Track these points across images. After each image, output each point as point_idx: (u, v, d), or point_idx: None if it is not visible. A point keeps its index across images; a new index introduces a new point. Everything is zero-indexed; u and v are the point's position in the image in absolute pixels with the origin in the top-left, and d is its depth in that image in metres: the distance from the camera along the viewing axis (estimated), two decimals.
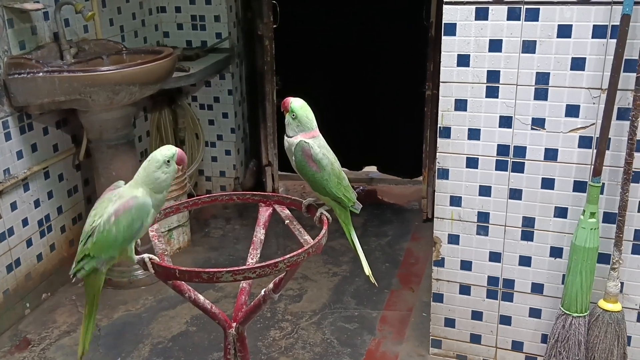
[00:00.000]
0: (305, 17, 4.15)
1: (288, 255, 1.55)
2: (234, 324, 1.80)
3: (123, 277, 3.19)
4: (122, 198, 1.62)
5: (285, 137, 1.81)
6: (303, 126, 1.78)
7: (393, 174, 4.50)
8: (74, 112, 3.02)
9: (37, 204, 3.01)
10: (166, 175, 1.62)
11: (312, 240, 1.67)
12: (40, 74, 2.71)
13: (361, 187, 4.43)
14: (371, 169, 4.63)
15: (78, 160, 3.25)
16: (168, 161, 1.62)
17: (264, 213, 1.92)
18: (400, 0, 4.01)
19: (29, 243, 2.97)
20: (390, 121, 4.35)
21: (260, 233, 1.88)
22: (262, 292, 1.76)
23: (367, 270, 1.88)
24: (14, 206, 2.86)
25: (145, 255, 1.63)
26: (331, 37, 4.22)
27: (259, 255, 1.84)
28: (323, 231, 1.70)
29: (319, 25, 4.21)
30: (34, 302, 3.02)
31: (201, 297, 1.75)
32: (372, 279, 1.90)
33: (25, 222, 2.93)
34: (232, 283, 2.68)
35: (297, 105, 1.78)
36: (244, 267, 1.50)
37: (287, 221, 1.85)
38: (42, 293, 3.07)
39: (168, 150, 1.63)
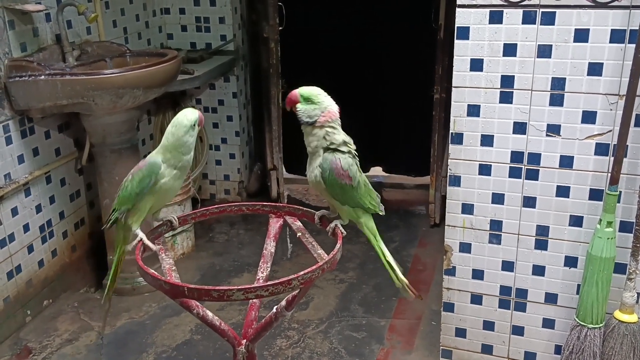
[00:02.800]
0: (308, 17, 4.10)
1: (302, 272, 1.48)
2: (244, 342, 1.73)
3: (126, 284, 3.13)
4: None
5: (307, 130, 1.71)
6: (321, 105, 1.69)
7: (398, 173, 4.45)
8: (76, 116, 2.97)
9: (38, 209, 2.95)
10: (192, 138, 1.74)
11: (326, 255, 1.61)
12: (42, 77, 2.66)
13: None
14: (377, 172, 4.57)
15: (80, 164, 3.20)
16: (193, 125, 1.72)
17: (275, 225, 1.86)
18: (405, 1, 3.96)
19: (30, 249, 2.92)
20: (395, 121, 4.30)
21: (270, 246, 1.82)
22: (274, 310, 1.69)
23: (403, 281, 1.83)
24: (14, 212, 2.80)
25: (141, 235, 1.77)
26: (334, 37, 4.17)
27: (269, 269, 1.78)
28: (338, 246, 1.64)
29: (321, 26, 4.16)
30: (35, 310, 2.96)
31: (209, 314, 1.68)
32: (411, 293, 1.85)
33: (26, 228, 2.88)
34: None
35: (307, 89, 1.71)
36: (256, 285, 1.43)
37: (299, 234, 1.79)
38: (43, 300, 3.02)
39: (192, 114, 1.73)
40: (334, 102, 1.73)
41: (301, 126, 1.73)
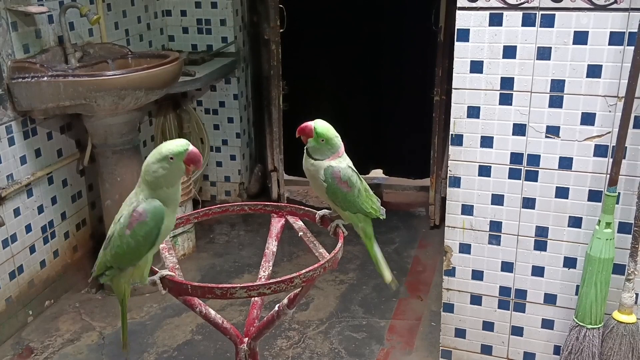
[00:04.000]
0: (309, 20, 4.11)
1: (304, 271, 1.50)
2: (246, 340, 1.75)
3: None
4: (132, 204, 1.52)
5: (309, 161, 1.73)
6: (334, 147, 1.72)
7: (399, 176, 4.46)
8: (78, 117, 2.99)
9: (40, 209, 2.97)
10: (165, 171, 1.48)
11: (327, 254, 1.62)
12: (45, 78, 2.67)
13: None
14: (377, 173, 4.59)
15: (82, 165, 3.21)
16: (172, 158, 1.47)
17: (276, 224, 1.88)
18: (405, 3, 3.98)
19: (32, 249, 2.93)
20: (396, 124, 4.32)
21: (272, 245, 1.83)
22: (276, 308, 1.71)
23: (388, 277, 1.90)
24: (17, 212, 2.82)
25: (156, 276, 1.58)
26: (335, 39, 4.18)
27: (270, 268, 1.80)
28: (339, 245, 1.66)
29: (322, 28, 4.17)
30: (37, 310, 2.97)
31: (212, 312, 1.70)
32: (394, 285, 1.95)
33: (28, 228, 2.89)
34: None
35: (323, 127, 1.70)
36: (258, 283, 1.45)
37: (300, 233, 1.81)
38: (45, 300, 3.03)
39: (176, 146, 1.48)
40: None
41: (305, 153, 1.76)
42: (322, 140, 1.69)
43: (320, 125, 1.69)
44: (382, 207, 1.87)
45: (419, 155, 4.07)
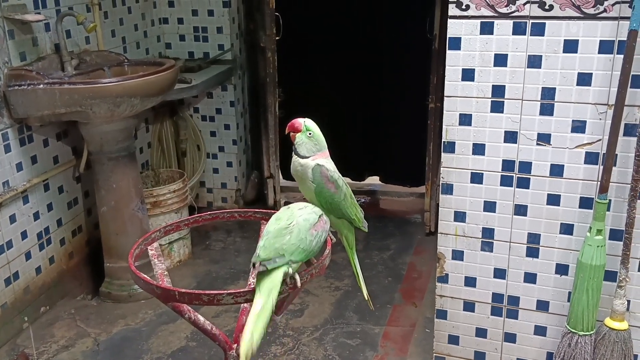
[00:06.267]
0: (305, 28, 4.14)
1: None
2: (235, 346, 1.76)
3: (122, 290, 3.16)
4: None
5: (297, 160, 1.78)
6: (320, 144, 1.77)
7: (395, 183, 4.48)
8: (74, 124, 3.00)
9: (36, 216, 2.98)
10: None
11: (315, 261, 1.64)
12: (41, 85, 2.69)
13: (362, 200, 4.40)
14: (373, 180, 4.60)
15: (78, 172, 3.23)
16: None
17: None
18: (401, 12, 4.00)
19: (28, 256, 2.94)
20: (392, 131, 4.33)
21: None
22: None
23: (365, 294, 1.88)
24: (13, 219, 2.83)
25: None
26: (331, 47, 4.21)
27: None
28: (327, 252, 1.67)
29: (318, 36, 4.20)
30: (33, 316, 2.98)
31: (201, 318, 1.71)
32: (370, 305, 1.94)
33: (24, 235, 2.90)
34: None
35: (312, 123, 1.77)
36: (245, 289, 1.46)
37: None
38: (40, 307, 3.04)
39: None
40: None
41: (293, 155, 1.80)
42: (310, 134, 1.75)
43: (308, 120, 1.78)
44: (365, 221, 1.90)
45: (416, 162, 4.09)
